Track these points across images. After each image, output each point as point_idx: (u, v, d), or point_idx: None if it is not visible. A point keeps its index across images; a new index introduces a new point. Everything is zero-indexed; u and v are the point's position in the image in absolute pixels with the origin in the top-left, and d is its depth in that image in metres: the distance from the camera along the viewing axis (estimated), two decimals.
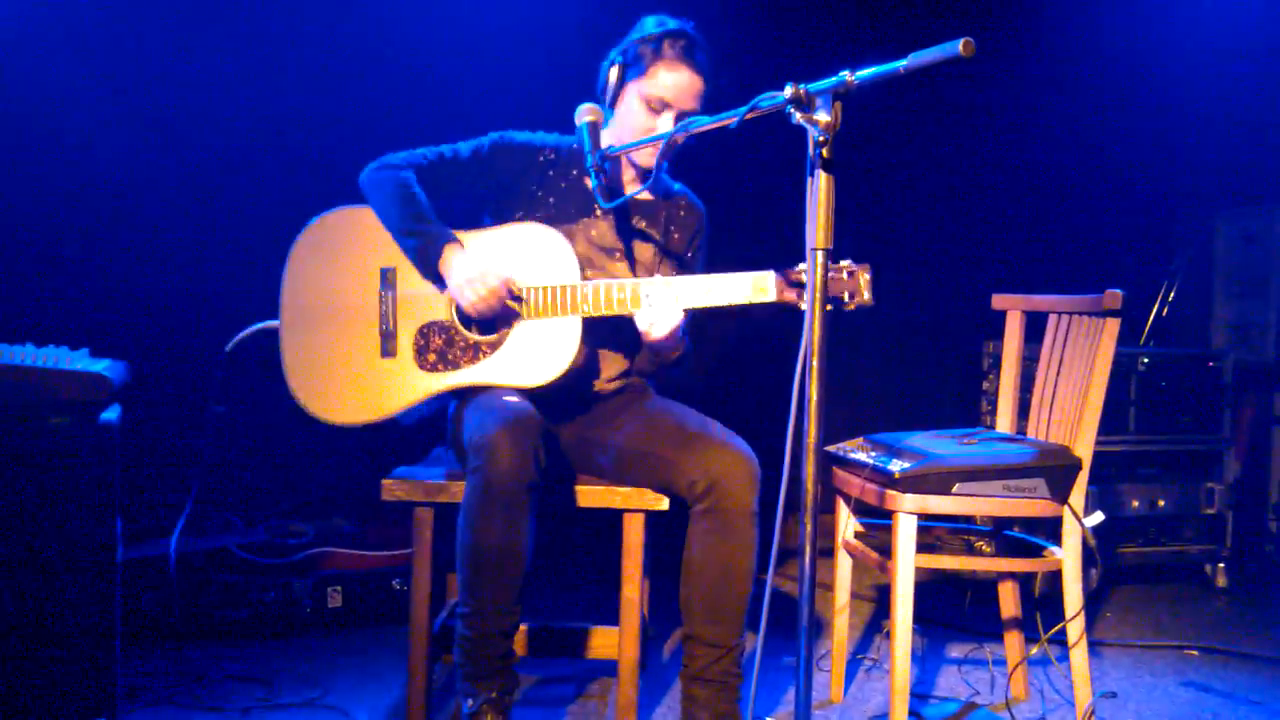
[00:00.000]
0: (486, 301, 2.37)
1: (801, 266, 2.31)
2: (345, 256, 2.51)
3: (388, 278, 2.50)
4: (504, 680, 2.30)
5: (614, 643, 2.50)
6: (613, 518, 2.47)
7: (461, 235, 2.45)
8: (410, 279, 2.49)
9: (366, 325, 2.49)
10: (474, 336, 2.47)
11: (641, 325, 2.38)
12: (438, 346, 2.47)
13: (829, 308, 2.26)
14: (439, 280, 2.43)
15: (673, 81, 2.45)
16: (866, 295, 2.28)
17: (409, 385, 2.47)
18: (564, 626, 2.65)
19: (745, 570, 2.34)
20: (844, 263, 2.23)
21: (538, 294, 2.42)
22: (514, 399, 2.37)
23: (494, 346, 2.45)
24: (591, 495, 2.45)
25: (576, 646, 2.63)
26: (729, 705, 2.36)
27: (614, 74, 2.53)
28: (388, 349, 2.48)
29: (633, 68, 2.48)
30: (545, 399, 2.43)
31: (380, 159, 2.53)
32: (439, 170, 2.53)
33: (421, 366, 2.47)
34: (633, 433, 2.47)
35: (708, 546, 2.34)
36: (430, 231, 2.42)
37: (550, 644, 2.64)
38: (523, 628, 2.58)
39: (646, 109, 2.48)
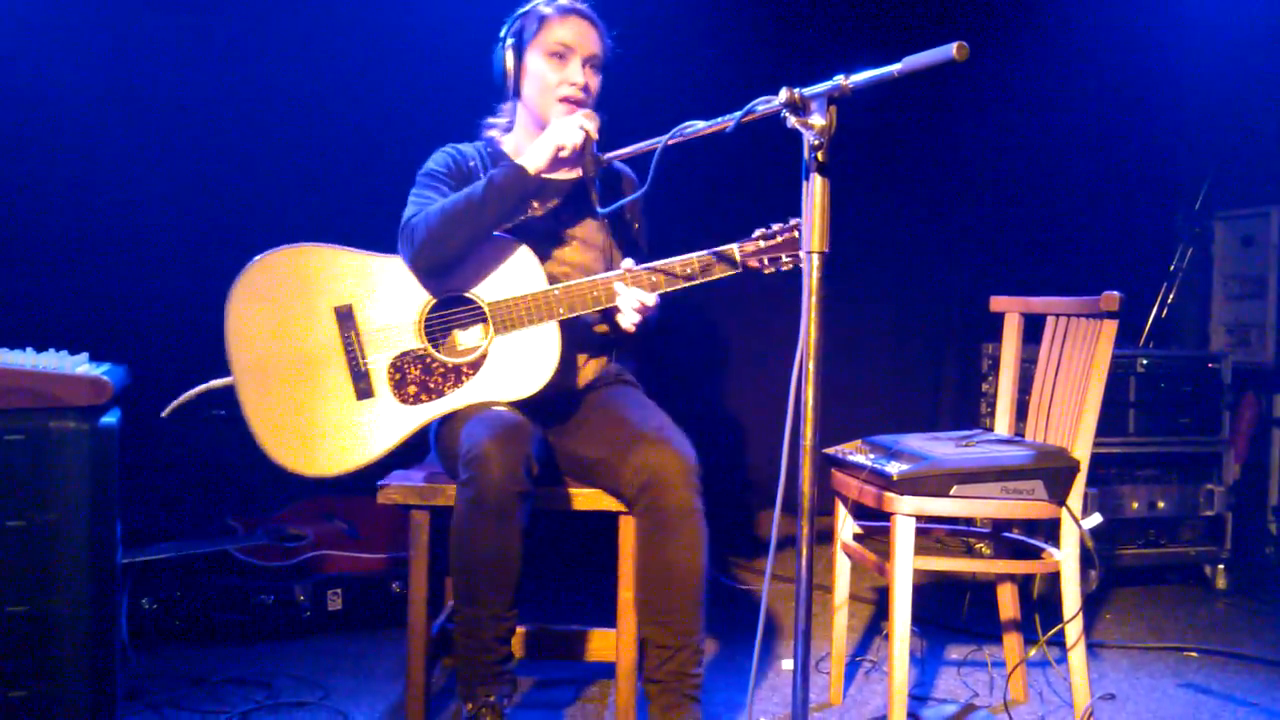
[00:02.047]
0: (575, 137, 2.36)
1: (759, 232, 2.41)
2: (291, 300, 2.40)
3: (345, 315, 2.40)
4: (502, 684, 2.32)
5: (612, 645, 2.50)
6: (610, 519, 2.47)
7: None
8: (371, 312, 2.41)
9: (334, 367, 2.39)
10: (452, 360, 2.42)
11: (622, 320, 2.41)
12: (416, 377, 2.41)
13: (769, 271, 2.38)
14: (533, 184, 2.38)
15: (570, 28, 2.49)
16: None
17: (394, 422, 2.40)
18: (562, 629, 2.66)
19: (689, 569, 2.29)
20: (794, 221, 2.37)
21: (511, 306, 2.39)
22: (503, 407, 2.37)
23: (474, 367, 2.41)
24: (587, 498, 2.46)
25: (575, 649, 2.64)
26: (678, 700, 2.32)
27: (509, 55, 2.52)
28: (363, 390, 2.39)
29: (525, 37, 2.51)
30: (531, 405, 2.43)
31: (401, 234, 2.42)
32: None
33: (403, 401, 2.40)
34: (588, 439, 2.46)
35: (649, 546, 2.31)
36: (486, 185, 2.36)
37: (549, 646, 2.64)
38: (521, 630, 2.59)
39: (552, 60, 2.49)
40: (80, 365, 2.20)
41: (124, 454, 2.24)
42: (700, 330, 4.40)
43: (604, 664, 2.61)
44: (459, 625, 2.30)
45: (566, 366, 2.52)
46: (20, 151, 3.61)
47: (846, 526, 2.80)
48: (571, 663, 2.69)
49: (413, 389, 2.41)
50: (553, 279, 2.44)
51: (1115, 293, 2.53)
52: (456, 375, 2.42)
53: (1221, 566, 3.94)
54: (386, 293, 2.43)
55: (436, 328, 2.43)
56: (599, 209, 2.41)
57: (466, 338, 2.45)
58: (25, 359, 2.16)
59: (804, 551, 1.80)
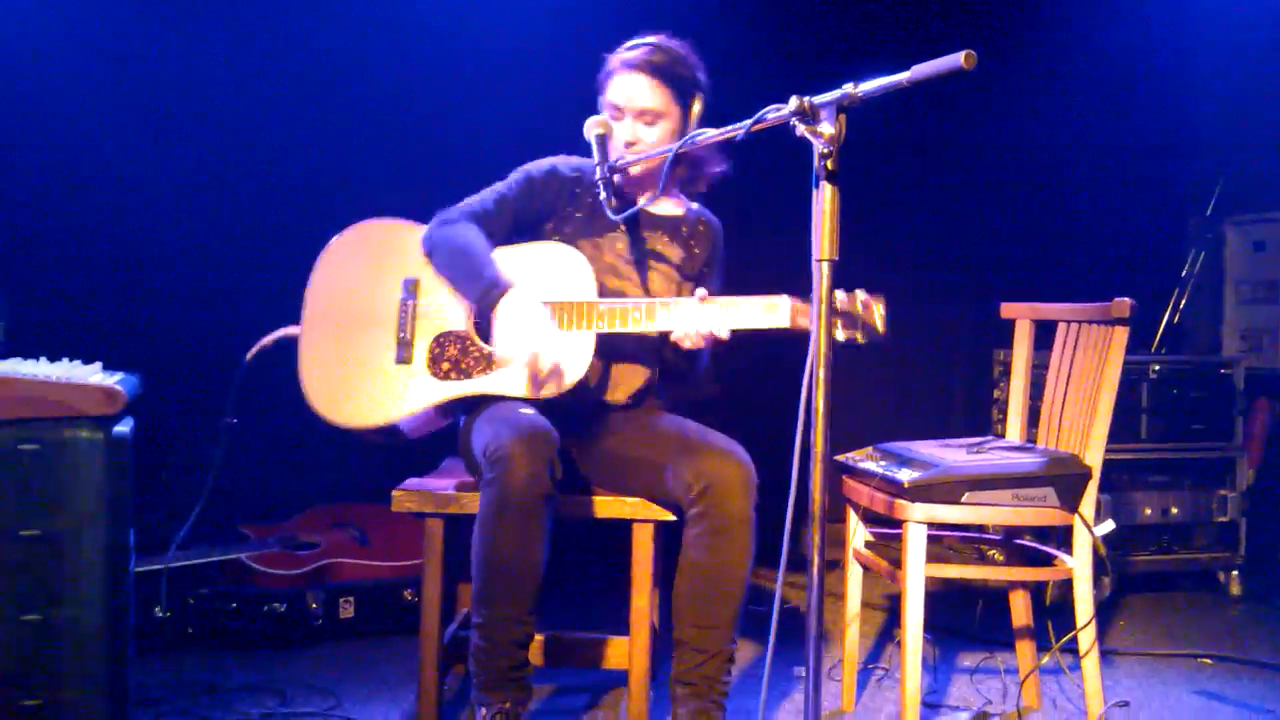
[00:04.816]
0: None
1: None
2: (372, 264, 2.57)
3: (410, 287, 2.54)
4: (517, 691, 2.31)
5: (624, 652, 2.50)
6: (624, 527, 2.48)
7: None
8: (432, 290, 2.53)
9: (384, 331, 2.53)
10: (488, 347, 2.48)
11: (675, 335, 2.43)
12: (452, 356, 2.50)
13: (842, 338, 2.23)
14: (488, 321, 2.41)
15: (621, 87, 2.54)
16: (880, 328, 2.29)
17: (420, 391, 2.49)
18: (575, 636, 2.66)
19: (738, 578, 2.34)
20: (859, 294, 2.26)
21: (554, 310, 2.42)
22: (529, 410, 2.39)
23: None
24: (602, 505, 2.47)
25: (588, 657, 2.63)
26: (706, 705, 2.34)
27: (601, 101, 2.62)
28: (403, 355, 2.51)
29: (602, 86, 2.59)
30: (558, 410, 2.44)
31: (438, 215, 2.53)
32: (499, 216, 2.54)
33: (435, 374, 2.50)
34: (634, 442, 2.49)
35: (700, 551, 2.33)
36: (486, 278, 2.39)
37: (562, 654, 2.64)
38: (536, 637, 2.59)
39: (611, 115, 2.56)
40: (94, 375, 2.20)
41: (137, 462, 2.25)
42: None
43: (617, 672, 2.61)
44: (475, 627, 2.31)
45: (600, 380, 2.56)
46: (31, 161, 3.63)
47: (858, 534, 2.79)
48: (585, 670, 2.69)
49: (446, 366, 2.50)
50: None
51: (1127, 299, 2.52)
52: (488, 362, 2.48)
53: (1235, 572, 3.92)
54: None
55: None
56: (613, 216, 2.41)
57: None
58: (39, 369, 2.17)
59: (815, 559, 1.80)
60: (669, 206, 2.69)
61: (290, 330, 2.56)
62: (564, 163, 2.65)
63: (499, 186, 2.60)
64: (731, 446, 2.39)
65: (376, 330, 2.53)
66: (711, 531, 2.32)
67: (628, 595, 2.47)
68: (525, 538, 2.24)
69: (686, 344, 2.42)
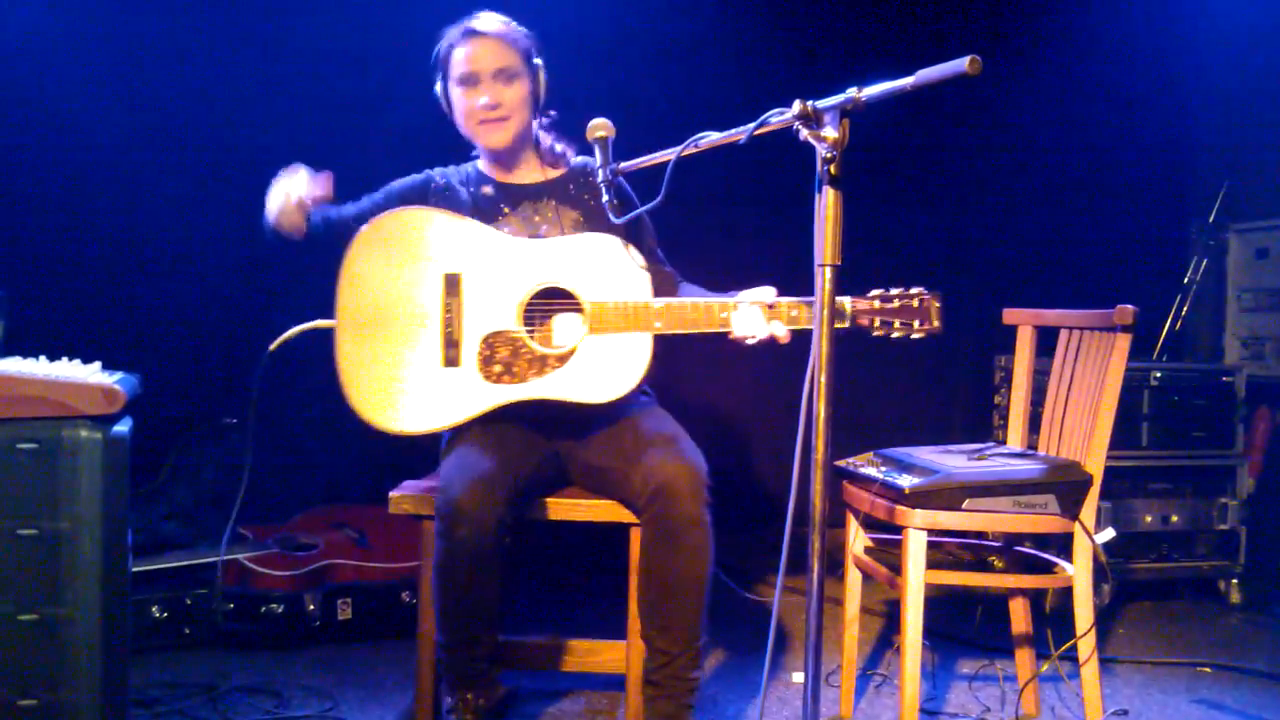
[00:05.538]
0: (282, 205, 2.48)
1: (875, 293, 2.37)
2: (407, 258, 2.42)
3: (452, 284, 2.41)
4: (481, 685, 2.38)
5: (622, 656, 2.50)
6: (622, 530, 2.47)
7: (526, 243, 2.47)
8: (477, 286, 2.42)
9: (430, 332, 2.41)
10: (541, 349, 2.41)
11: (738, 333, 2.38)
12: (504, 357, 2.41)
13: (898, 335, 2.34)
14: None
15: (471, 53, 2.52)
16: (936, 323, 2.34)
17: (473, 396, 2.40)
18: (573, 640, 2.65)
19: (694, 579, 2.32)
20: (915, 290, 2.34)
21: (610, 310, 2.38)
22: (489, 454, 2.34)
23: (562, 360, 2.40)
24: (593, 510, 2.46)
25: (586, 660, 2.63)
26: (674, 706, 2.36)
27: (440, 89, 2.61)
28: (450, 358, 2.40)
29: (443, 74, 2.57)
30: (543, 415, 2.44)
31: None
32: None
33: (486, 377, 2.40)
34: (601, 448, 2.47)
35: (654, 555, 2.33)
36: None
37: (559, 657, 2.64)
38: (530, 641, 2.61)
39: (464, 90, 2.54)
40: (93, 374, 2.20)
41: (135, 462, 2.24)
42: (717, 340, 4.39)
43: (614, 675, 2.61)
44: (438, 645, 2.38)
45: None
46: (32, 160, 3.62)
47: (858, 539, 2.79)
48: (581, 674, 2.69)
49: (498, 368, 2.40)
50: None
51: (1129, 306, 2.51)
52: (542, 364, 2.41)
53: (1235, 581, 3.91)
54: (496, 270, 2.43)
55: (536, 314, 2.44)
56: (614, 218, 2.39)
57: (562, 330, 2.45)
58: (38, 368, 2.16)
59: (815, 565, 1.79)
60: (541, 173, 2.64)
61: (320, 322, 2.41)
62: (425, 176, 2.66)
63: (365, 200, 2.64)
64: (680, 447, 2.36)
65: (420, 331, 2.40)
66: (663, 536, 2.32)
67: (622, 597, 2.46)
68: (478, 581, 2.29)
69: (749, 342, 2.37)
